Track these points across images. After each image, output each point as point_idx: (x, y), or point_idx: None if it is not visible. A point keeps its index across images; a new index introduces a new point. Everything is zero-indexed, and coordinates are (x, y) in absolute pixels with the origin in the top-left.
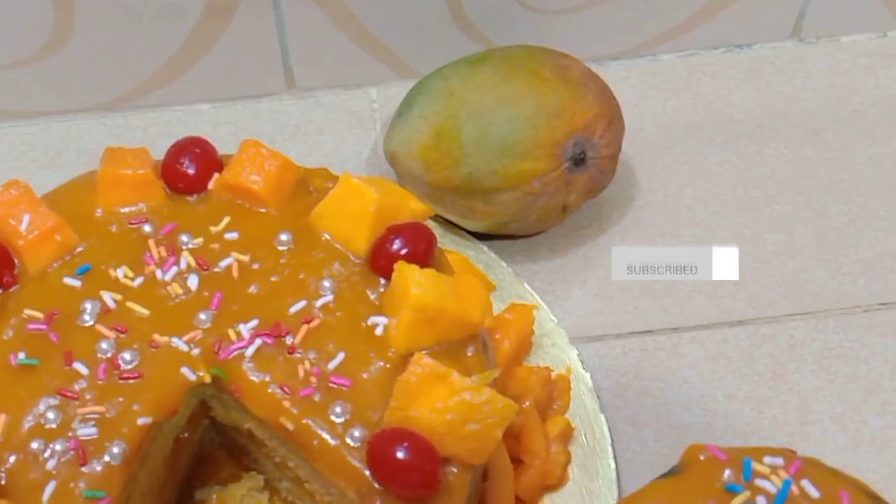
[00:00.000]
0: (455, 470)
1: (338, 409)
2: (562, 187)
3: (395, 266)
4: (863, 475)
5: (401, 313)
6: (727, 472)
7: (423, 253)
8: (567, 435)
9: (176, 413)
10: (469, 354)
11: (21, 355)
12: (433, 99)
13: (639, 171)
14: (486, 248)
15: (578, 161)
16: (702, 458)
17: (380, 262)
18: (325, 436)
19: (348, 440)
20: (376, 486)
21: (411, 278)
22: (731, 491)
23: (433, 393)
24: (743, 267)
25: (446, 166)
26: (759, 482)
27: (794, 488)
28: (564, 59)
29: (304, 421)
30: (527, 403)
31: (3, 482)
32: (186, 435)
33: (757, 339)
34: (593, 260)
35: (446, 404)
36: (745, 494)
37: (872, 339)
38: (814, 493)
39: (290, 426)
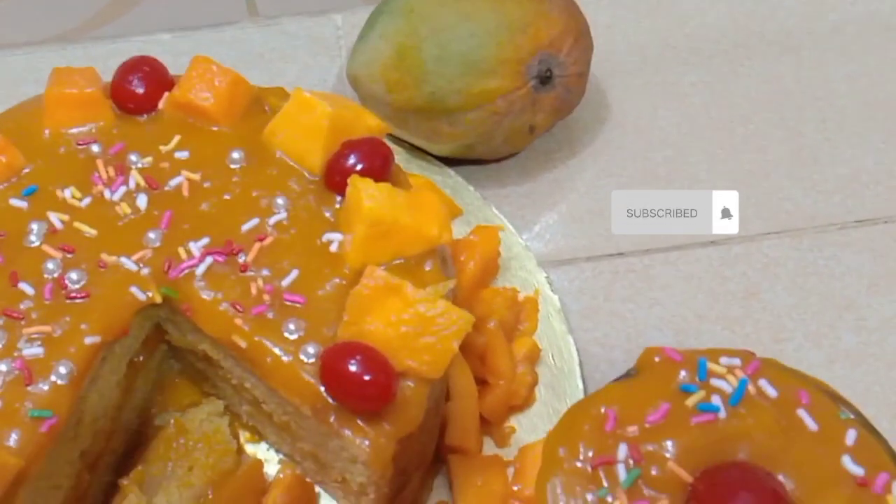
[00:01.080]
0: (412, 384)
1: (291, 326)
2: (528, 106)
3: (349, 180)
4: None
5: (355, 228)
6: (682, 373)
7: (380, 168)
8: (534, 356)
9: (126, 334)
10: (427, 270)
11: None
12: (394, 17)
13: (610, 93)
14: (452, 173)
15: (544, 79)
16: (657, 360)
17: (335, 179)
18: (279, 352)
19: (302, 357)
20: (330, 401)
21: (365, 191)
22: (686, 391)
23: (387, 306)
24: (716, 187)
25: (408, 86)
26: (714, 382)
27: (750, 387)
28: None
29: (257, 338)
30: (492, 324)
31: None
32: (141, 359)
33: (730, 259)
34: (563, 183)
35: (400, 317)
36: (700, 394)
37: (848, 256)
38: (771, 392)
39: (242, 344)
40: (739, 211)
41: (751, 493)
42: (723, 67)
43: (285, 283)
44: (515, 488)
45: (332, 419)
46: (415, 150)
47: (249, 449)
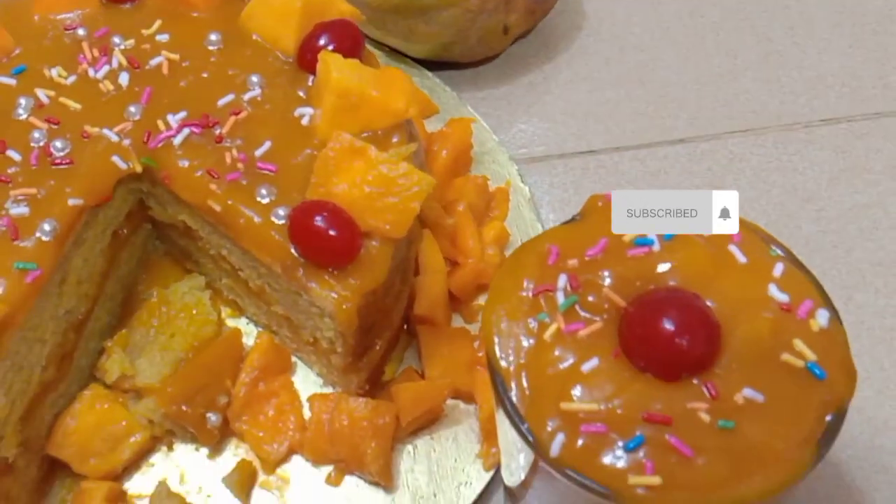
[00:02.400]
0: (376, 244)
1: (263, 191)
2: (501, 6)
3: (320, 56)
4: None
5: (324, 100)
6: None
7: (350, 48)
8: (503, 239)
9: (109, 200)
10: (394, 142)
11: None
12: None
13: (586, 1)
14: (430, 75)
15: None
16: (600, 204)
17: (307, 58)
18: (251, 214)
19: (273, 218)
20: (299, 258)
21: (334, 65)
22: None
23: (352, 168)
24: (685, 89)
25: None
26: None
27: None
28: None
29: (230, 202)
30: (461, 206)
31: None
32: (125, 232)
33: (696, 156)
34: (538, 86)
35: (364, 178)
36: (637, 233)
37: (811, 152)
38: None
39: (217, 208)
40: (707, 111)
41: (677, 311)
42: None
43: (258, 152)
44: (480, 354)
45: (300, 274)
46: (394, 53)
47: (230, 323)
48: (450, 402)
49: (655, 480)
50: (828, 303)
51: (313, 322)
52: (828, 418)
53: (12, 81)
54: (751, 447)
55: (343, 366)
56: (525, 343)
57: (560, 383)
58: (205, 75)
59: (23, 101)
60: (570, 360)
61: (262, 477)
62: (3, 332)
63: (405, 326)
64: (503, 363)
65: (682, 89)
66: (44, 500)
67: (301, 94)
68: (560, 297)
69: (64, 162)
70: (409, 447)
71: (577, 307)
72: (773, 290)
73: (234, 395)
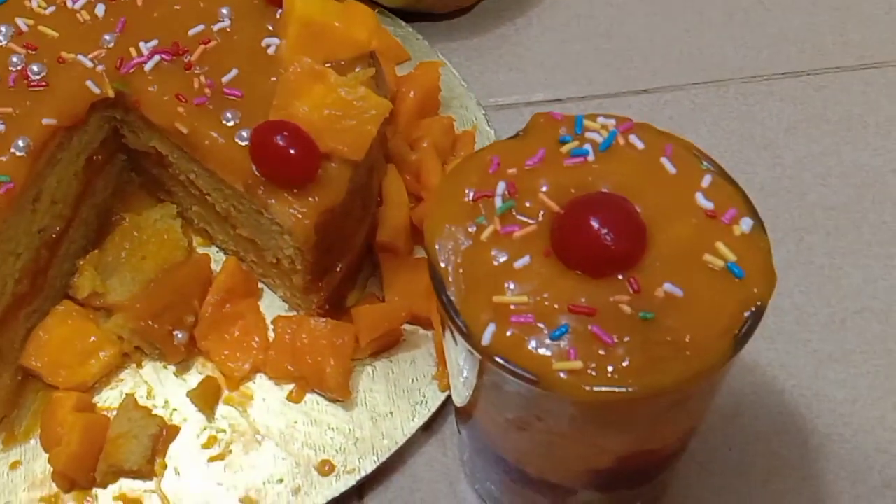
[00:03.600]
0: (335, 165)
1: (228, 115)
2: None
3: None
4: None
5: (289, 29)
6: (562, 129)
7: None
8: None
9: (83, 123)
10: (356, 72)
11: None
12: None
13: None
14: (403, 24)
15: None
16: (542, 121)
17: None
18: (215, 136)
19: (236, 140)
20: (260, 177)
21: None
22: (563, 142)
23: (312, 91)
24: (652, 42)
25: None
26: (588, 135)
27: (620, 139)
28: None
29: (197, 124)
30: (425, 143)
31: None
32: (100, 158)
33: (659, 105)
34: (510, 38)
35: (324, 101)
36: (574, 143)
37: (771, 103)
38: (639, 144)
39: (184, 130)
40: (672, 63)
41: (605, 210)
42: None
43: (225, 79)
44: None
45: (261, 192)
46: (368, 2)
47: (200, 251)
48: (409, 327)
49: (577, 365)
50: (753, 213)
51: (275, 241)
52: (746, 314)
53: None
54: (669, 337)
55: (303, 285)
56: (463, 244)
57: (493, 279)
58: (177, 7)
59: (3, 28)
60: (504, 259)
61: (226, 393)
62: None
63: (370, 257)
64: (442, 264)
65: (649, 43)
66: (16, 409)
67: (269, 27)
68: (498, 202)
69: (40, 84)
70: (369, 368)
71: (513, 212)
72: (700, 199)
73: (201, 314)
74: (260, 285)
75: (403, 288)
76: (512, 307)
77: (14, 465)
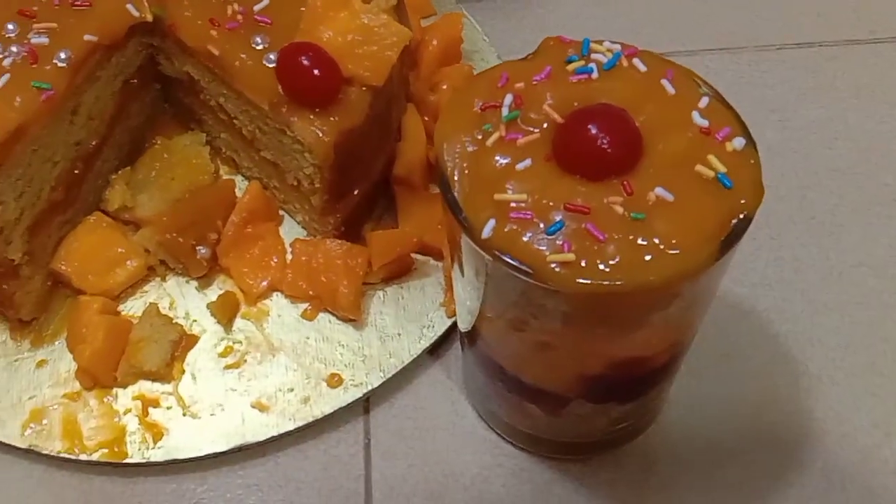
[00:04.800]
0: (356, 89)
1: (258, 39)
2: None
3: None
4: None
5: None
6: (570, 51)
7: None
8: None
9: (121, 43)
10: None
11: None
12: None
13: None
14: None
15: None
16: (551, 44)
17: None
18: (244, 57)
19: (264, 62)
20: (284, 96)
21: None
22: (569, 61)
23: (337, 18)
24: (669, 8)
25: None
26: (594, 56)
27: (623, 61)
28: None
29: (228, 46)
30: (444, 87)
31: None
32: (136, 82)
33: None
34: (532, 1)
35: (347, 27)
36: (580, 62)
37: (782, 71)
38: (641, 66)
39: (215, 52)
40: (687, 29)
41: (603, 118)
42: None
43: (257, 7)
44: None
45: (284, 110)
46: None
47: (225, 178)
48: (420, 258)
49: (570, 257)
50: (746, 134)
51: (296, 161)
52: (733, 222)
53: None
54: (658, 238)
55: (321, 206)
56: (469, 148)
57: (495, 179)
58: None
59: None
60: (506, 161)
61: (243, 308)
62: (17, 140)
63: (386, 192)
64: (449, 166)
65: (666, 8)
66: (44, 313)
67: None
68: (505, 112)
69: (83, 4)
70: (380, 293)
71: (518, 121)
72: (696, 117)
73: (224, 233)
74: (280, 213)
75: (417, 219)
76: (512, 204)
77: (40, 364)
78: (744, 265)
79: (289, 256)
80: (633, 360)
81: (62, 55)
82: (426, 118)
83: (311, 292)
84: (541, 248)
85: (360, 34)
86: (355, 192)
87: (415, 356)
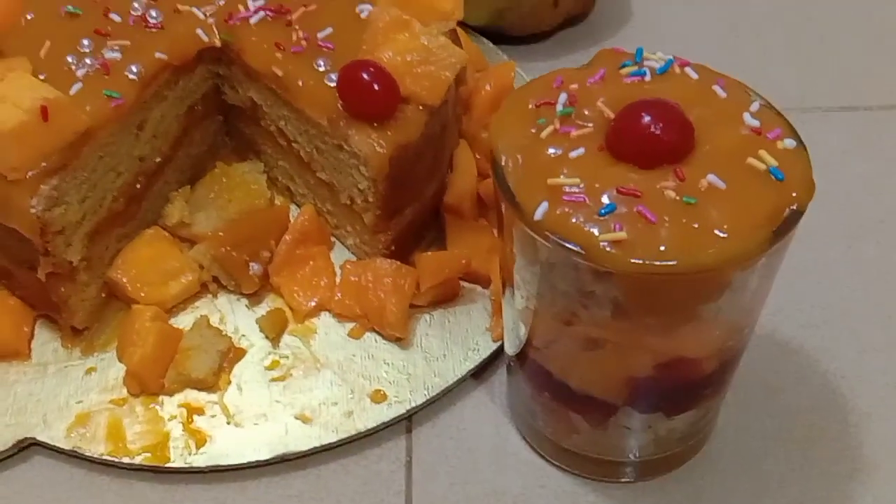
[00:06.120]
0: (412, 108)
1: (320, 62)
2: None
3: None
4: None
5: None
6: (624, 60)
7: None
8: None
9: (190, 68)
10: (439, 23)
11: (69, 6)
12: None
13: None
14: (484, 40)
15: None
16: (606, 54)
17: None
18: (307, 77)
19: (326, 81)
20: (343, 112)
21: None
22: (623, 66)
23: (397, 39)
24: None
25: None
26: (647, 63)
27: (675, 67)
28: None
29: (291, 67)
30: None
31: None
32: (200, 109)
33: None
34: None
35: (407, 47)
36: (633, 67)
37: (827, 132)
38: (693, 74)
39: (279, 72)
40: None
41: (656, 108)
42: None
43: (320, 34)
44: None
45: (342, 125)
46: None
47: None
48: (467, 285)
49: (622, 235)
50: (796, 136)
51: (351, 178)
52: (785, 213)
53: None
54: (710, 222)
55: (373, 222)
56: (523, 140)
57: (548, 167)
58: None
59: None
60: (560, 151)
61: (291, 325)
62: (85, 142)
63: (436, 223)
64: (503, 156)
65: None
66: (97, 323)
67: None
68: (559, 108)
69: (156, 26)
70: (427, 316)
71: (572, 116)
72: (747, 118)
73: (276, 252)
74: (332, 239)
75: (466, 244)
76: (564, 188)
77: (89, 371)
78: (791, 306)
79: (338, 279)
80: (680, 361)
81: (133, 69)
82: (478, 156)
83: (358, 310)
84: (593, 229)
85: (419, 54)
86: (406, 212)
87: (459, 376)
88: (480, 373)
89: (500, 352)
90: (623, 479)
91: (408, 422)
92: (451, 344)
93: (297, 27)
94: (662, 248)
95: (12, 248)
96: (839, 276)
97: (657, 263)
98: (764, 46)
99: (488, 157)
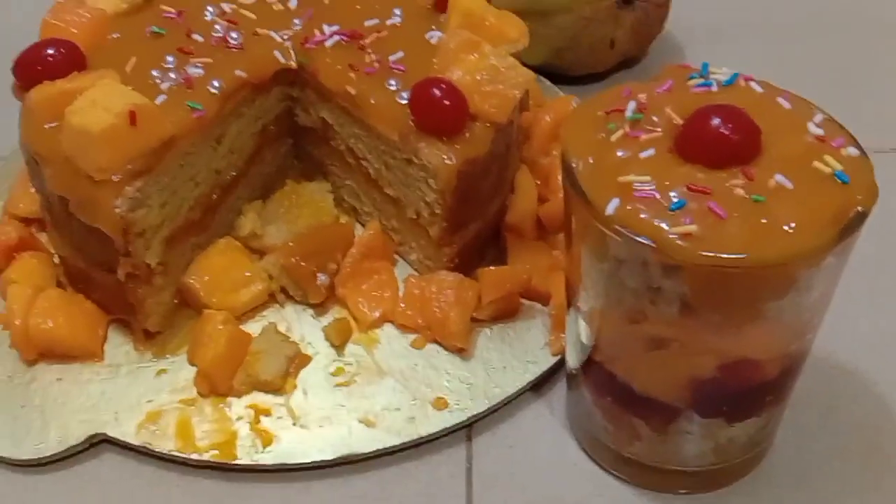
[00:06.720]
0: (480, 125)
1: (392, 82)
2: (611, 19)
3: None
4: None
5: (451, 19)
6: (692, 73)
7: None
8: None
9: (267, 88)
10: (507, 45)
11: (153, 27)
12: None
13: (688, 49)
14: (542, 78)
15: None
16: (672, 68)
17: (442, 1)
18: (380, 95)
19: (397, 99)
20: (414, 127)
21: None
22: (690, 78)
23: (468, 60)
24: None
25: None
26: (713, 76)
27: (740, 81)
28: None
29: (364, 87)
30: (555, 152)
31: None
32: (273, 129)
33: None
34: None
35: (477, 67)
36: (700, 79)
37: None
38: (758, 88)
39: (353, 91)
40: None
41: (724, 111)
42: (794, 46)
43: (392, 58)
44: (556, 253)
45: (412, 139)
46: None
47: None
48: (527, 303)
49: (692, 228)
50: (859, 147)
51: (419, 192)
52: (851, 214)
53: None
54: (778, 219)
55: (439, 235)
56: (594, 142)
57: (619, 166)
58: (357, 7)
59: (210, 8)
60: (630, 153)
61: (356, 334)
62: (168, 149)
63: (497, 243)
64: (573, 154)
65: None
66: (169, 328)
67: (433, 26)
68: (628, 113)
69: (236, 47)
70: (487, 330)
71: (641, 122)
72: (812, 127)
73: (342, 265)
74: (395, 257)
75: (526, 262)
76: (635, 185)
77: (160, 372)
78: (845, 333)
79: (401, 293)
80: (744, 363)
81: (215, 83)
82: (538, 181)
83: (421, 321)
84: (663, 223)
85: (488, 74)
86: (470, 227)
87: (520, 387)
88: (539, 386)
89: (558, 367)
90: (681, 491)
91: (468, 430)
92: (510, 357)
93: (369, 51)
94: (732, 242)
95: (93, 250)
96: (892, 303)
97: (726, 256)
98: (821, 90)
99: (546, 181)
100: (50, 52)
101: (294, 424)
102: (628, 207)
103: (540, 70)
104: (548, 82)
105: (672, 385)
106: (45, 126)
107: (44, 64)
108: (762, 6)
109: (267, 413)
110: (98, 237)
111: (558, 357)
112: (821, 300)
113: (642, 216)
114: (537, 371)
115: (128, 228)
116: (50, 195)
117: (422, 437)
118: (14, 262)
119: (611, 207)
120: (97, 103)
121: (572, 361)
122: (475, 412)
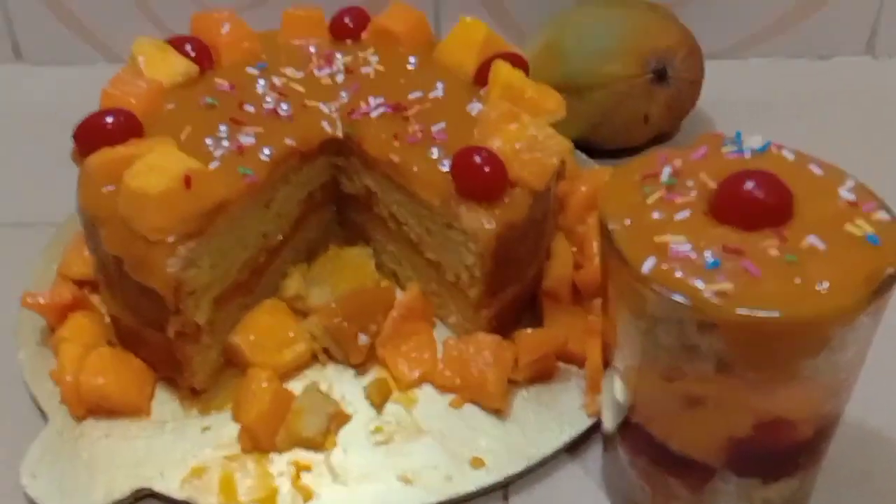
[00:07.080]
0: (519, 191)
1: (434, 151)
2: (645, 94)
3: (493, 62)
4: None
5: (491, 92)
6: (725, 141)
7: (518, 65)
8: None
9: (313, 158)
10: (546, 115)
11: (207, 98)
12: (553, 23)
13: (719, 125)
14: (578, 152)
15: (660, 74)
16: (706, 136)
17: (483, 75)
18: (422, 163)
19: (439, 166)
20: (455, 193)
21: (503, 66)
22: (725, 145)
23: (507, 129)
24: None
25: (549, 67)
26: (746, 144)
27: (773, 148)
28: (656, 3)
29: (407, 155)
30: (590, 221)
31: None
32: (318, 197)
33: None
34: None
35: (516, 136)
36: (734, 147)
37: None
38: (789, 156)
39: (396, 159)
40: None
41: (757, 175)
42: (825, 119)
43: (434, 128)
44: (591, 317)
45: (453, 204)
46: None
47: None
48: (563, 365)
49: (728, 286)
50: (890, 211)
51: (458, 256)
52: (884, 275)
53: (256, 71)
54: (811, 278)
55: (478, 297)
56: (630, 205)
57: (655, 227)
58: (402, 81)
59: (262, 81)
60: (665, 214)
61: (395, 394)
62: (220, 212)
63: (533, 310)
64: (611, 216)
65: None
66: (214, 387)
67: (474, 98)
68: (664, 178)
69: (286, 118)
70: (524, 392)
71: (676, 186)
72: (843, 192)
73: (383, 326)
74: (434, 319)
75: (562, 326)
76: (671, 245)
77: (204, 429)
78: (877, 399)
79: (440, 354)
80: (779, 422)
81: (265, 151)
82: (574, 248)
83: (459, 382)
84: (697, 282)
85: (527, 143)
86: (508, 291)
87: (556, 447)
88: (575, 447)
89: (594, 429)
90: None
91: (505, 490)
92: (547, 419)
93: (413, 121)
94: (766, 300)
95: (144, 309)
96: None
97: (761, 314)
98: (850, 158)
99: (581, 248)
100: (109, 119)
101: (334, 481)
102: (664, 266)
103: (576, 144)
104: (584, 156)
105: (708, 444)
106: (103, 189)
107: (103, 131)
108: (792, 84)
109: (307, 469)
110: (150, 296)
111: (594, 419)
112: (854, 360)
113: (678, 275)
114: (573, 432)
115: (179, 287)
116: (105, 256)
117: (459, 496)
118: (67, 322)
119: (647, 266)
120: (154, 167)
121: (608, 422)
122: (512, 472)
